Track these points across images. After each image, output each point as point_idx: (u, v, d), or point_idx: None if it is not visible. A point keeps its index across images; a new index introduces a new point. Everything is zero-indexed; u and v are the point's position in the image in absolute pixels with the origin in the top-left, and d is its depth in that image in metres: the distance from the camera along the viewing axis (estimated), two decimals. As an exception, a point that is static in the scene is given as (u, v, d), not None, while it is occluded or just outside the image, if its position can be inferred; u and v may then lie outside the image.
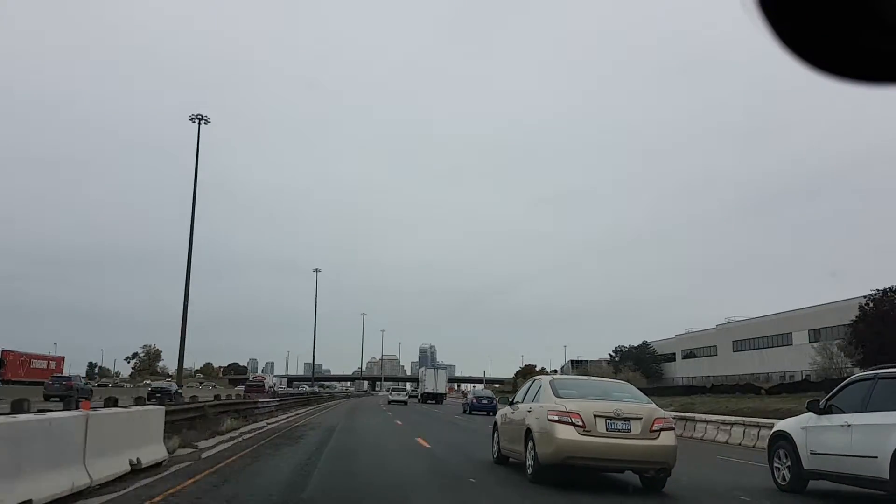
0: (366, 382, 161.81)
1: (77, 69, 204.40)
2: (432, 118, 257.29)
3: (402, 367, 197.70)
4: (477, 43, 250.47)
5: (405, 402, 55.65)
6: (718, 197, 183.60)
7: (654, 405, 10.17)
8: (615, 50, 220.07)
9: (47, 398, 32.48)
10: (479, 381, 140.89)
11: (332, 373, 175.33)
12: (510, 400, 12.85)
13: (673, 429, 10.05)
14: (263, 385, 61.21)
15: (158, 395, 40.97)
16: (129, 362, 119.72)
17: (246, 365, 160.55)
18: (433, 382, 65.71)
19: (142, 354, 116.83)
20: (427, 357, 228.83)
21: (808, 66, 1.47)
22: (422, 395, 66.77)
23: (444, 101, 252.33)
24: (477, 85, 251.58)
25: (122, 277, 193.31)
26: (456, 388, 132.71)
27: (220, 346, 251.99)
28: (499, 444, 12.25)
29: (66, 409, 9.61)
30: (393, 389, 68.94)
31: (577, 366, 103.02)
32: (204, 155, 52.55)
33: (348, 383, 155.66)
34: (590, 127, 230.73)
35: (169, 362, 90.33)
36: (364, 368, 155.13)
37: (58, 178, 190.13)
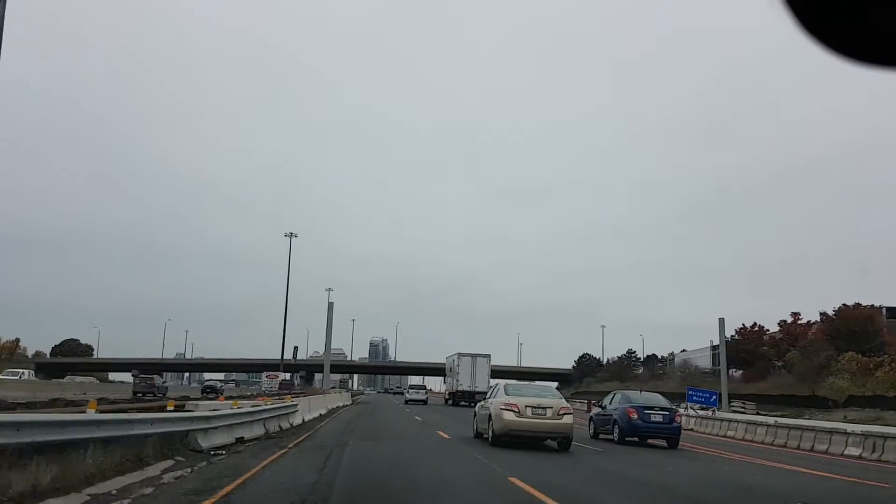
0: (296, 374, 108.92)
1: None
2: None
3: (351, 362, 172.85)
4: (409, 33, 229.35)
5: (425, 402, 51.41)
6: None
7: (563, 399, 17.34)
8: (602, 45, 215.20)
9: (135, 394, 40.26)
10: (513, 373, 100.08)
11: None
12: (486, 396, 20.05)
13: (572, 413, 17.10)
14: (293, 381, 70.06)
15: (209, 390, 50.98)
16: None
17: (88, 344, 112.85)
18: (470, 376, 46.55)
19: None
20: (379, 352, 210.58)
21: (823, 46, 1.49)
22: (454, 393, 48.73)
23: (418, 99, 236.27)
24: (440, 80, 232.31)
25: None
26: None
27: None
28: (476, 426, 19.31)
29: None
30: (411, 387, 60.65)
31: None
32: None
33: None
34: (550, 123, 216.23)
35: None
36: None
37: None
